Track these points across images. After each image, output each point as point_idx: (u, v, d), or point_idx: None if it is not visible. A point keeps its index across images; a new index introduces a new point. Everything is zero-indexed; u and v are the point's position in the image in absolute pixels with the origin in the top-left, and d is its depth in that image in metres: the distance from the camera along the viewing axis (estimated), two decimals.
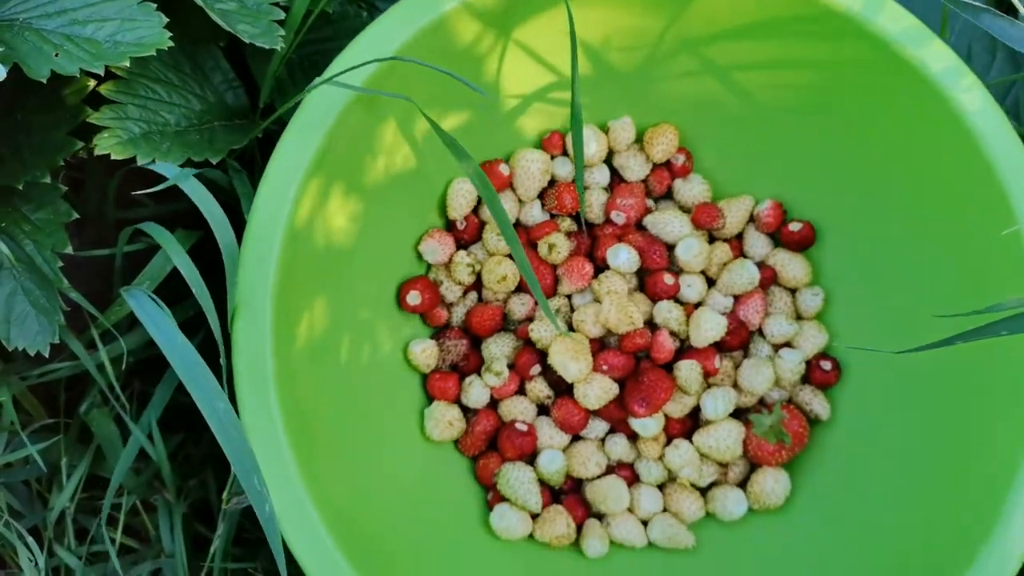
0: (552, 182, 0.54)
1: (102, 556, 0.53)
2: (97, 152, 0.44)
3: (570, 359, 0.50)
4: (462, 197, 0.52)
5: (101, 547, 0.52)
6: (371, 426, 0.49)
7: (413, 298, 0.51)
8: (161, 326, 0.40)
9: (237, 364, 0.42)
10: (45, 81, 0.39)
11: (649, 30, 0.50)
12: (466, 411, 0.52)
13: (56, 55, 0.40)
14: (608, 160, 0.55)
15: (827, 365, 0.52)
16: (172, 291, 0.47)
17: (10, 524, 0.49)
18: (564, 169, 0.54)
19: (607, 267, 0.53)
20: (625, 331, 0.50)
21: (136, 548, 0.54)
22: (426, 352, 0.52)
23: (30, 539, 0.49)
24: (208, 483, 0.55)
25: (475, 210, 0.54)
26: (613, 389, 0.51)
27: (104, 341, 0.48)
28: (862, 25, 0.47)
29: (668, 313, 0.52)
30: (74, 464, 0.52)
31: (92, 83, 0.45)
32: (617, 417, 0.52)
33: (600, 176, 0.54)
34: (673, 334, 0.52)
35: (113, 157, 0.44)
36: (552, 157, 0.54)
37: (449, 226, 0.53)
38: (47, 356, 0.44)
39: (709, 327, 0.51)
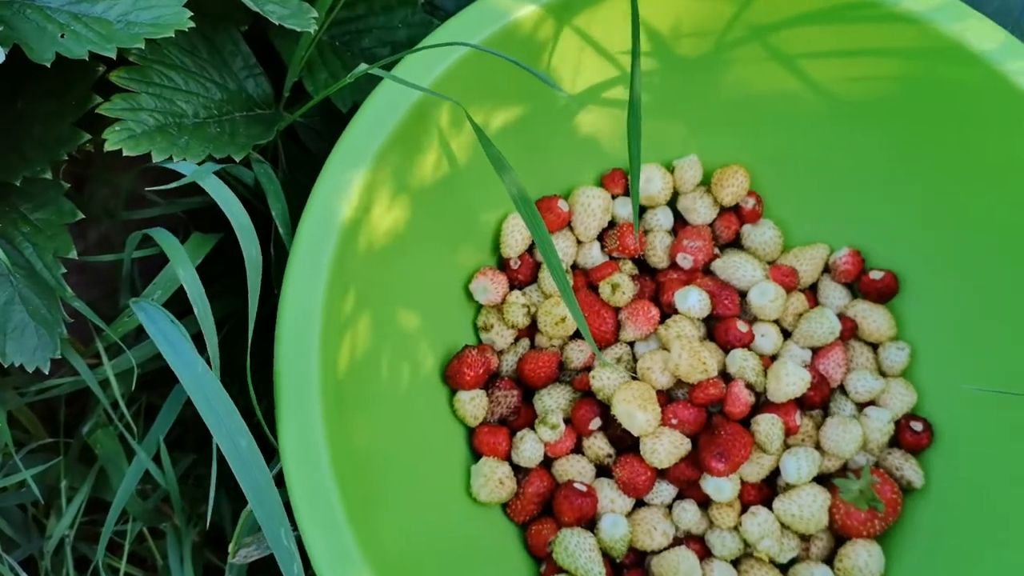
0: (612, 224, 0.50)
1: None
2: (108, 147, 0.38)
3: (637, 408, 0.44)
4: (518, 233, 0.48)
5: None
6: (417, 482, 0.43)
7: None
8: (177, 347, 0.35)
9: (282, 390, 0.37)
10: (49, 65, 0.34)
11: (724, 73, 0.47)
12: (516, 471, 0.46)
13: (62, 36, 0.35)
14: (672, 203, 0.51)
15: (918, 426, 0.47)
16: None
17: (1, 556, 0.44)
18: (625, 210, 0.50)
19: (674, 313, 0.48)
20: (697, 380, 0.45)
21: None
22: (475, 401, 0.46)
23: (23, 573, 0.44)
24: (222, 508, 0.50)
25: (531, 250, 0.49)
26: (685, 444, 0.45)
27: (109, 353, 0.43)
28: (960, 46, 0.43)
29: (744, 362, 0.46)
30: (75, 487, 0.47)
31: (102, 68, 0.40)
32: (687, 478, 0.46)
33: (664, 218, 0.50)
34: (749, 386, 0.46)
35: (125, 153, 0.39)
36: (613, 197, 0.50)
37: (502, 265, 0.49)
38: (47, 372, 0.40)
39: (791, 380, 0.45)
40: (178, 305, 0.39)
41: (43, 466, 0.45)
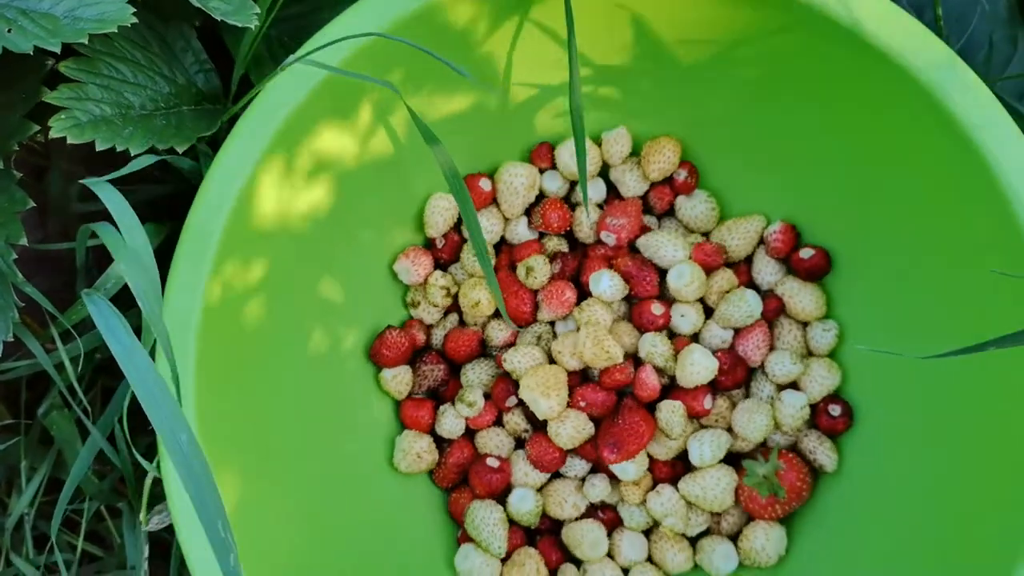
0: (541, 197, 0.50)
1: (65, 565, 0.50)
2: (52, 135, 0.41)
3: (540, 395, 0.46)
4: (440, 214, 0.49)
5: (64, 556, 0.49)
6: (335, 453, 0.46)
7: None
8: (120, 338, 0.37)
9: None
10: None
11: (653, 32, 0.45)
12: (442, 440, 0.49)
13: (9, 31, 0.37)
14: (605, 174, 0.51)
15: (836, 410, 0.46)
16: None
17: None
18: (554, 184, 0.50)
19: (590, 295, 0.48)
20: (603, 366, 0.46)
21: (100, 556, 0.51)
22: (397, 379, 0.49)
23: None
24: (157, 487, 0.52)
25: (457, 227, 0.50)
26: (588, 428, 0.47)
27: (65, 340, 0.45)
28: (888, 56, 0.41)
29: (653, 348, 0.47)
30: (35, 467, 0.50)
31: (51, 61, 0.42)
32: (594, 458, 0.47)
33: (594, 192, 0.50)
34: (659, 370, 0.47)
35: (69, 141, 0.41)
36: (541, 171, 0.50)
37: (428, 244, 0.50)
38: (0, 354, 0.41)
39: (696, 369, 0.46)
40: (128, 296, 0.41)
41: (3, 446, 0.46)
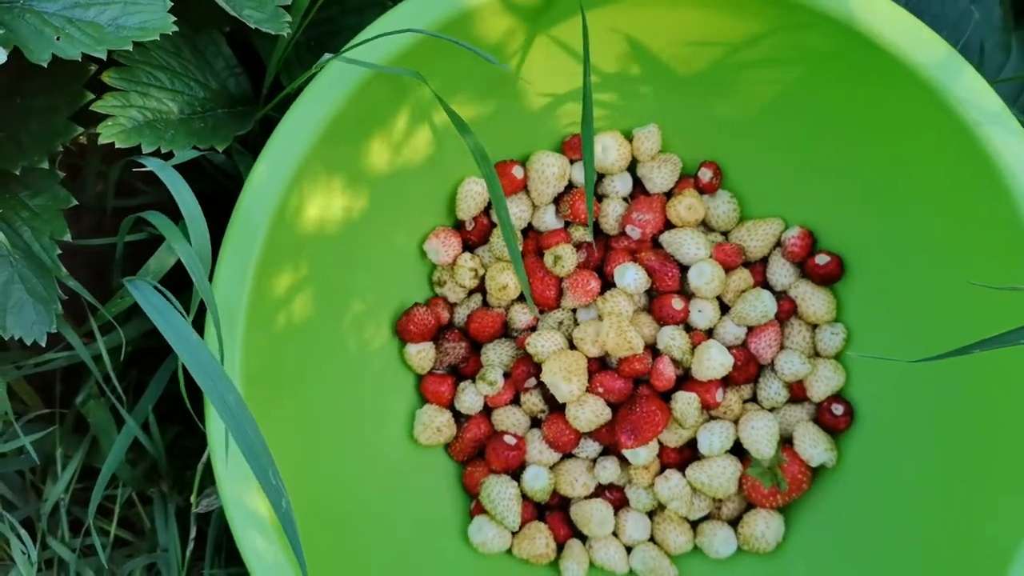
0: (571, 187, 0.52)
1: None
2: (101, 141, 0.43)
3: (562, 379, 0.48)
4: (472, 198, 0.50)
5: (98, 540, 0.51)
6: (359, 424, 0.49)
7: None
8: (167, 317, 0.39)
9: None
10: (46, 65, 0.38)
11: (691, 35, 0.47)
12: (460, 416, 0.52)
13: (57, 39, 0.39)
14: (633, 170, 0.52)
15: (839, 409, 0.49)
16: (177, 284, 0.46)
17: (2, 515, 0.48)
18: (583, 175, 0.50)
19: (614, 286, 0.50)
20: (623, 356, 0.48)
21: (132, 541, 0.54)
22: (421, 354, 0.51)
23: (23, 531, 0.48)
24: (207, 475, 0.54)
25: (487, 211, 0.52)
26: (605, 413, 0.49)
27: (102, 331, 0.47)
28: (903, 62, 0.43)
29: (671, 340, 0.49)
30: (69, 455, 0.52)
31: (94, 67, 0.44)
32: (609, 441, 0.50)
33: (621, 185, 0.51)
34: (675, 362, 0.49)
35: (118, 146, 0.43)
36: (572, 162, 0.51)
37: (458, 225, 0.52)
38: (43, 346, 0.44)
39: (712, 364, 0.48)
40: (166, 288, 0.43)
41: (40, 434, 0.48)
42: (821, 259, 0.49)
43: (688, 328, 0.51)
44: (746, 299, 0.50)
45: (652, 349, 0.50)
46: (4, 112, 0.45)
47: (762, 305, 0.49)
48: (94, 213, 0.52)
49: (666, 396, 0.50)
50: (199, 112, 0.46)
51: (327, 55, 0.41)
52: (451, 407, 0.51)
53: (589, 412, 0.49)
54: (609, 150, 0.50)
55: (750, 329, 0.50)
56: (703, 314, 0.50)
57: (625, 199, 0.52)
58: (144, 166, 0.41)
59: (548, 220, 0.51)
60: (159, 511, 0.52)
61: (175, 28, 0.39)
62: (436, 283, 0.52)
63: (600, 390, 0.49)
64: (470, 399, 0.51)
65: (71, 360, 0.49)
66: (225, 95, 0.48)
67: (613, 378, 0.49)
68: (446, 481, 0.52)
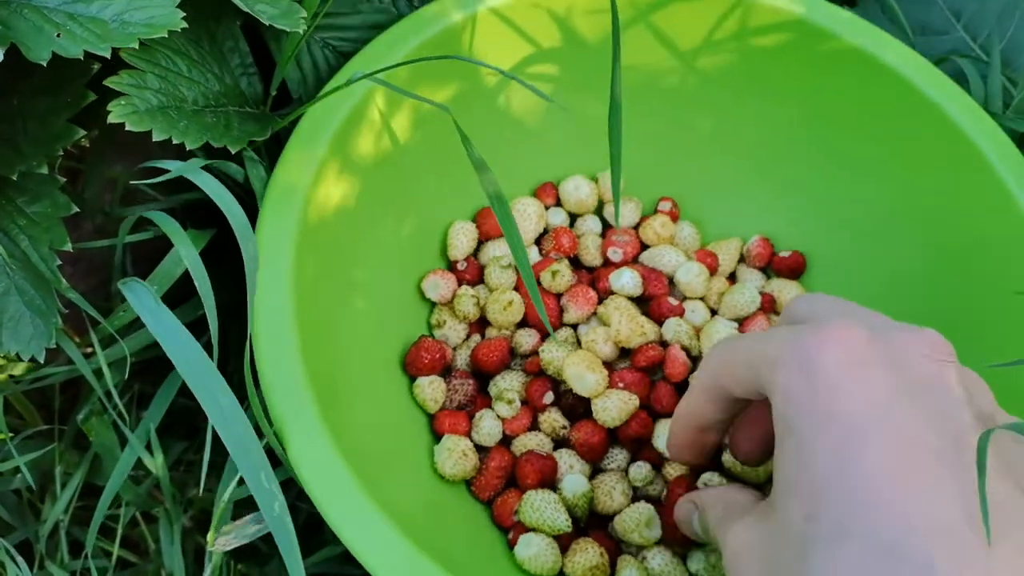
0: (546, 231, 0.56)
1: (100, 571, 0.50)
2: (111, 120, 0.40)
3: (587, 369, 0.48)
4: (463, 236, 0.53)
5: (98, 562, 0.49)
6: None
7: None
8: (158, 317, 0.36)
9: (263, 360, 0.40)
10: (45, 64, 0.35)
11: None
12: (477, 451, 0.49)
13: (58, 36, 0.36)
14: (599, 212, 0.57)
15: None
16: (184, 293, 0.44)
17: None
18: (557, 218, 0.57)
19: (610, 295, 0.52)
20: (638, 344, 0.49)
21: (136, 562, 0.51)
22: (433, 385, 0.49)
23: (19, 558, 0.45)
24: (213, 493, 0.51)
25: (475, 253, 0.54)
26: (633, 401, 0.48)
27: (103, 343, 0.45)
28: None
29: (678, 327, 0.51)
30: (69, 473, 0.49)
31: (97, 66, 0.42)
32: (638, 435, 0.49)
33: (593, 224, 0.57)
34: (685, 349, 0.51)
35: (128, 128, 0.40)
36: (546, 208, 0.56)
37: (450, 267, 0.54)
38: (42, 362, 0.41)
39: (721, 336, 0.50)
40: (173, 296, 0.41)
41: (38, 452, 0.46)
42: (784, 253, 0.56)
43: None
44: (732, 292, 0.54)
45: (660, 344, 0.51)
46: (0, 114, 0.42)
47: (748, 293, 0.53)
48: (95, 219, 0.50)
49: (679, 388, 0.50)
50: (212, 106, 0.44)
51: (358, 72, 0.39)
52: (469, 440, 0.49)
53: (616, 401, 0.48)
54: (581, 187, 0.56)
55: (741, 322, 0.53)
56: (696, 314, 0.53)
57: (599, 235, 0.56)
58: (157, 172, 0.39)
59: (532, 257, 0.55)
60: (164, 530, 0.50)
61: (184, 24, 0.37)
62: (435, 325, 0.52)
63: (620, 384, 0.49)
64: (489, 425, 0.49)
65: (72, 374, 0.47)
66: (237, 93, 0.46)
67: (630, 372, 0.49)
68: (474, 520, 0.48)
